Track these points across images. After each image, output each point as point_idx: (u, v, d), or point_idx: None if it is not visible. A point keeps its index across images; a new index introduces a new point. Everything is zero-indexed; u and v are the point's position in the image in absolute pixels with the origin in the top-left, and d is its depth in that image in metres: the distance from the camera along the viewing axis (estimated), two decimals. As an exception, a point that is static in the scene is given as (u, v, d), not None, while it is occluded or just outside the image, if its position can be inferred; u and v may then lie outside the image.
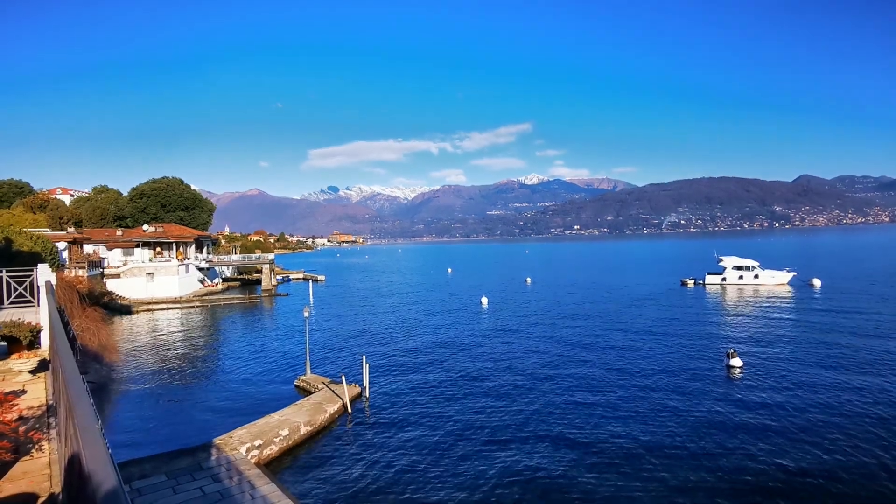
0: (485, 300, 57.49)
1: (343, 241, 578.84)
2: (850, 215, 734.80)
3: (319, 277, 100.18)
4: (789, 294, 55.18)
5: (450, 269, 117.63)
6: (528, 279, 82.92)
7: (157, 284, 66.76)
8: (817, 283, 60.79)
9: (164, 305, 61.69)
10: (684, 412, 21.37)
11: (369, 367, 26.47)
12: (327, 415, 21.62)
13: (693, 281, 67.28)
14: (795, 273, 62.76)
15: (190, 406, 24.78)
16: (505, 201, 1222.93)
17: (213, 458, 16.96)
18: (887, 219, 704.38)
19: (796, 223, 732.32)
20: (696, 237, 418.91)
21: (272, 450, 18.51)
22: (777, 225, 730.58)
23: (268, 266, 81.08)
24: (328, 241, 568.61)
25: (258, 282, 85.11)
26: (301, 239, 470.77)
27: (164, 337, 42.87)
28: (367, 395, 24.80)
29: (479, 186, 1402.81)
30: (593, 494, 15.16)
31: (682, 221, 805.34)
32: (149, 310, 58.98)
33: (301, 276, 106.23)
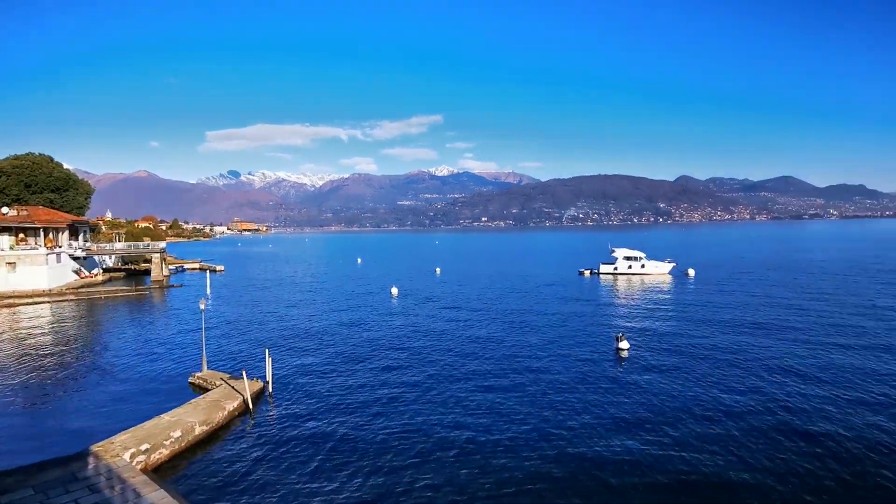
0: (395, 290, 57.43)
1: (245, 230, 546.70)
2: (719, 212, 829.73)
3: (218, 267, 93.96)
4: (670, 282, 61.31)
5: (359, 259, 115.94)
6: (438, 269, 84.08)
7: (21, 276, 58.69)
8: (692, 272, 68.27)
9: (29, 300, 54.46)
10: (574, 392, 22.97)
11: (273, 360, 25.44)
12: (226, 412, 20.47)
13: (589, 271, 72.33)
14: (675, 263, 69.92)
15: (63, 412, 22.18)
16: (416, 192, 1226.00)
17: (90, 466, 15.38)
18: (748, 216, 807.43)
19: (676, 219, 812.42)
20: (592, 230, 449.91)
21: (162, 453, 17.17)
22: (661, 220, 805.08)
23: (158, 255, 74.55)
24: (228, 228, 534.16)
25: (147, 272, 78.04)
26: (198, 226, 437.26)
27: (29, 335, 37.85)
28: (271, 390, 23.82)
29: (390, 176, 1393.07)
30: (486, 475, 15.85)
31: (581, 215, 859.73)
32: (10, 304, 51.75)
33: (197, 266, 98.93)
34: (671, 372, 25.65)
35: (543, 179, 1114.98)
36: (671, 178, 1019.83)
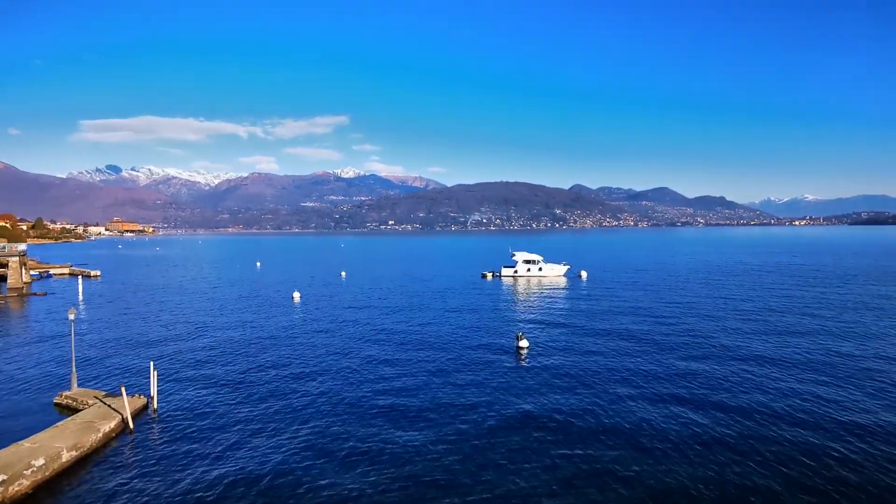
0: (297, 295, 55.37)
1: (127, 231, 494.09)
2: (608, 219, 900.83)
3: (93, 273, 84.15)
4: (565, 283, 65.51)
5: (259, 263, 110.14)
6: (343, 273, 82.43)
7: None
8: (584, 274, 73.55)
9: None
10: (475, 389, 23.79)
11: (159, 374, 23.40)
12: (101, 434, 18.48)
13: (491, 273, 75.12)
14: (569, 266, 75.00)
15: None
16: (321, 193, 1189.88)
17: (-75, 508, 13.12)
18: (632, 223, 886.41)
19: (571, 224, 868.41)
20: (495, 234, 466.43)
21: (22, 485, 15.10)
22: (557, 225, 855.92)
23: (17, 259, 65.27)
24: (107, 229, 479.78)
25: (3, 278, 67.91)
26: (68, 226, 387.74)
27: None
28: (156, 407, 21.88)
29: (294, 176, 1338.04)
30: (387, 480, 15.94)
31: (485, 220, 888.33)
32: None
33: (67, 271, 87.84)
34: (567, 367, 27.44)
35: (449, 185, 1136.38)
36: (566, 187, 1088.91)
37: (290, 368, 28.06)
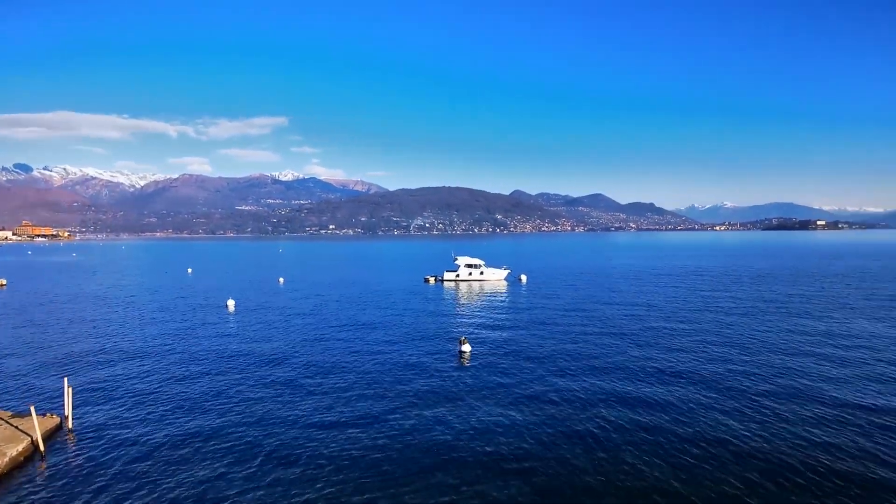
0: (231, 303, 52.96)
1: (39, 236, 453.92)
2: (546, 224, 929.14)
3: (-3, 282, 76.54)
4: (506, 287, 66.76)
5: (190, 270, 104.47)
6: (282, 279, 79.80)
7: None
8: (524, 278, 75.32)
9: None
10: (417, 394, 23.71)
11: (74, 391, 21.58)
12: (6, 459, 16.79)
13: (434, 278, 75.33)
14: (510, 270, 76.66)
15: None
16: (257, 196, 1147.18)
17: None
18: (570, 227, 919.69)
19: (511, 229, 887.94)
20: (438, 239, 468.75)
21: None
22: (499, 230, 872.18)
23: None
24: (14, 234, 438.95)
25: None
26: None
27: None
28: (71, 427, 20.15)
29: (228, 178, 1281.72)
30: (325, 482, 15.56)
31: (427, 224, 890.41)
32: None
33: (-36, 280, 79.25)
34: (509, 370, 27.89)
35: (392, 189, 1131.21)
36: (507, 192, 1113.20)
37: (224, 380, 26.73)
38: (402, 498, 15.03)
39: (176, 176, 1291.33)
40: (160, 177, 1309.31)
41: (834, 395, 23.24)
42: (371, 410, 22.04)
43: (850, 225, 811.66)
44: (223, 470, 16.74)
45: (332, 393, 24.35)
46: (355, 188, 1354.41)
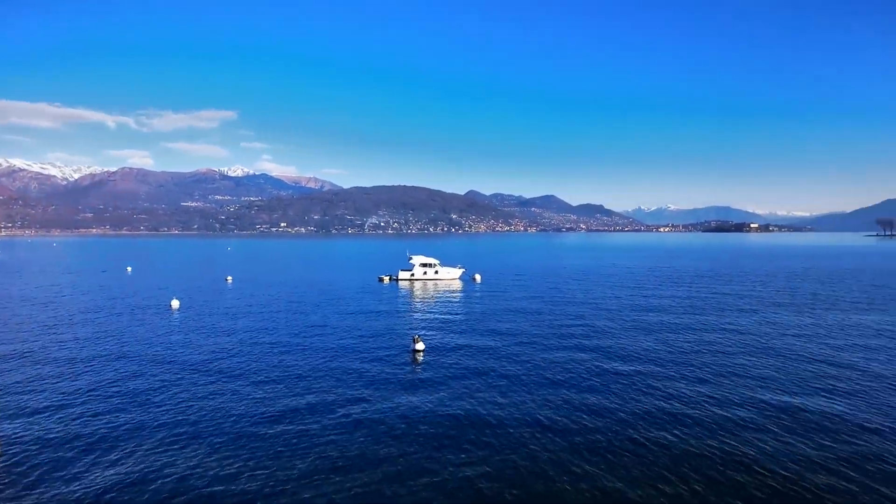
0: (175, 303, 50.81)
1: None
2: (500, 224, 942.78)
3: None
4: (460, 286, 67.34)
5: (130, 268, 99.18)
6: (230, 278, 77.21)
7: None
8: (478, 277, 76.22)
9: None
10: (369, 394, 23.67)
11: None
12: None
13: (388, 277, 74.98)
14: (465, 269, 77.34)
15: None
16: (204, 192, 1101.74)
17: None
18: (522, 228, 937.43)
19: (466, 229, 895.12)
20: (392, 238, 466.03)
21: None
22: (454, 230, 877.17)
23: None
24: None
25: None
26: None
27: None
28: (-5, 437, 18.82)
29: (173, 173, 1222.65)
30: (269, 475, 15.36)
31: (382, 223, 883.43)
32: None
33: None
34: (462, 368, 28.26)
35: (346, 187, 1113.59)
36: (462, 192, 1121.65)
37: (167, 385, 25.67)
38: (351, 490, 15.01)
39: (114, 169, 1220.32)
40: (97, 169, 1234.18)
41: (761, 385, 24.96)
42: (320, 409, 21.79)
43: (780, 228, 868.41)
44: (156, 468, 16.13)
45: (278, 393, 23.89)
46: (308, 185, 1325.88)
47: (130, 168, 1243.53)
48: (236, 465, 16.83)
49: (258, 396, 23.53)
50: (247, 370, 27.85)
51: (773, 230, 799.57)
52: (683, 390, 24.35)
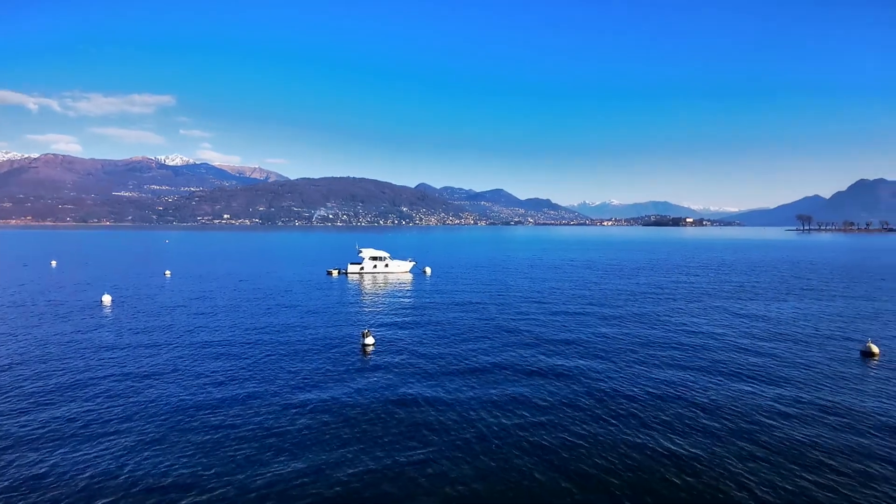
0: (107, 298, 47.96)
1: None
2: (451, 217, 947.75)
3: None
4: (411, 280, 67.32)
5: (54, 262, 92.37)
6: (168, 272, 73.56)
7: None
8: (429, 270, 76.51)
9: None
10: (318, 389, 23.40)
11: None
12: None
13: (337, 270, 73.86)
14: (415, 262, 77.28)
15: None
16: (139, 182, 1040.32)
17: None
18: (472, 221, 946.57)
19: (417, 222, 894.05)
20: (342, 230, 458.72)
21: None
22: (404, 222, 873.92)
23: None
24: None
25: None
26: None
27: None
28: None
29: (104, 161, 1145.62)
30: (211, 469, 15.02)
31: (331, 216, 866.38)
32: None
33: None
34: (412, 361, 28.38)
35: (292, 178, 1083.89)
36: (412, 185, 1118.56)
37: (95, 384, 24.29)
38: (291, 481, 14.88)
39: (37, 155, 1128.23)
40: (16, 155, 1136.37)
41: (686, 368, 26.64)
42: (267, 403, 21.34)
43: (712, 222, 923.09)
44: (75, 466, 15.35)
45: (215, 390, 23.17)
46: (253, 176, 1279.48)
47: (55, 154, 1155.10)
48: (167, 460, 16.25)
49: (193, 393, 22.72)
50: (184, 367, 26.78)
51: (706, 224, 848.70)
52: (616, 378, 25.59)
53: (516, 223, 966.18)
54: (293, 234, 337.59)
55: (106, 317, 40.89)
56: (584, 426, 19.55)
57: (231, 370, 26.37)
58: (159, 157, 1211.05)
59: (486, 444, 17.97)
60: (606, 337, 34.18)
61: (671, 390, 23.56)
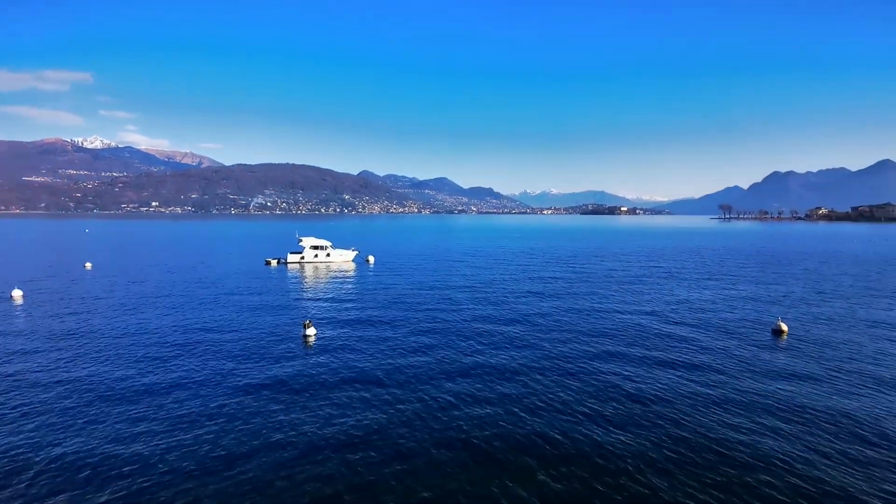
0: (18, 293, 44.15)
1: None
2: (395, 206, 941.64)
3: None
4: (354, 269, 66.46)
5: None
6: (89, 264, 68.51)
7: None
8: (372, 259, 75.80)
9: None
10: (256, 383, 22.84)
11: None
12: None
13: (276, 260, 71.61)
14: (358, 251, 76.32)
15: None
16: (53, 165, 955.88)
17: None
18: (416, 209, 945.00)
19: (360, 210, 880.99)
20: (281, 219, 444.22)
21: None
22: (346, 211, 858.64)
23: None
24: None
25: None
26: None
27: None
28: None
29: (12, 143, 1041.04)
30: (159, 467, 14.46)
31: (269, 203, 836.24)
32: None
33: None
34: (355, 352, 28.19)
35: (227, 164, 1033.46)
36: (355, 173, 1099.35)
37: (11, 387, 22.45)
38: (232, 481, 14.56)
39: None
40: None
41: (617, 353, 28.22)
42: (202, 400, 20.58)
43: (644, 211, 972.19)
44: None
45: (140, 388, 22.07)
46: (184, 161, 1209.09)
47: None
48: (85, 446, 15.41)
49: (116, 390, 21.54)
50: (103, 370, 25.24)
51: (639, 213, 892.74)
52: (550, 367, 26.71)
53: (460, 211, 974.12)
54: (229, 222, 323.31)
55: (16, 314, 37.64)
56: (511, 417, 20.28)
57: (156, 366, 25.12)
58: (76, 139, 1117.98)
59: (415, 435, 18.26)
60: (537, 326, 35.41)
61: (599, 379, 24.86)
